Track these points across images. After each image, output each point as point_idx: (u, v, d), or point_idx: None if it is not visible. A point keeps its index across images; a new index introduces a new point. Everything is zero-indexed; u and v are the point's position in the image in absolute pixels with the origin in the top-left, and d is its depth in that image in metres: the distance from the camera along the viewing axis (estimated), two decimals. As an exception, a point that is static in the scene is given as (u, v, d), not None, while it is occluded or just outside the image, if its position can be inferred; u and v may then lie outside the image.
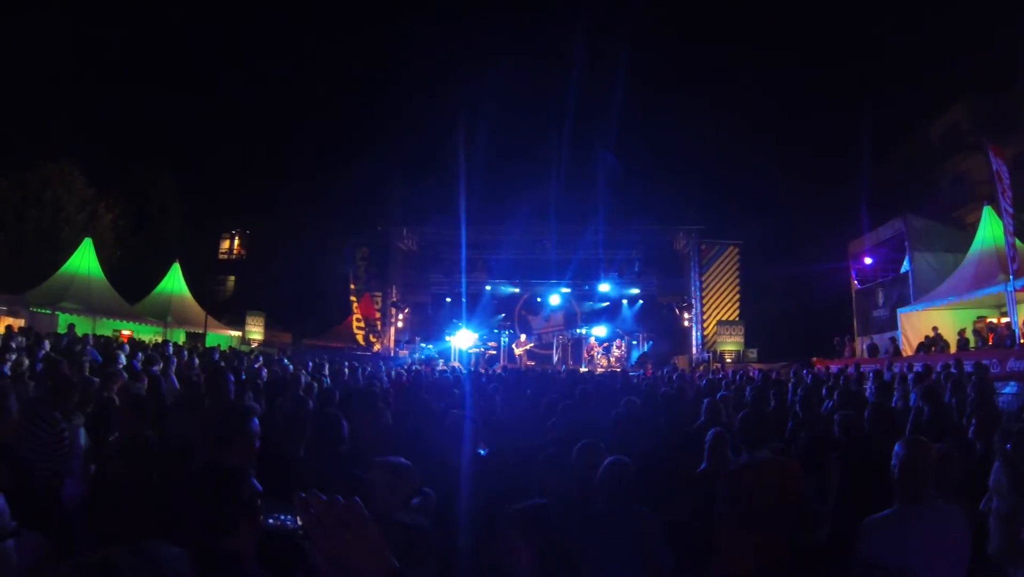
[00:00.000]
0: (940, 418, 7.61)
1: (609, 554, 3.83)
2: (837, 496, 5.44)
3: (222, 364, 13.18)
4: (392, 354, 31.58)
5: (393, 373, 14.70)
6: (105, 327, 25.22)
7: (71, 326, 19.03)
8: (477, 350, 32.75)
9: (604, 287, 34.89)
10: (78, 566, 1.10)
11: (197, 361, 14.17)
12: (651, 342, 33.98)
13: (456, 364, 29.67)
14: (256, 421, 4.07)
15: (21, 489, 4.21)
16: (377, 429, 7.18)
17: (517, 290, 35.75)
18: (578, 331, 35.30)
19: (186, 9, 56.18)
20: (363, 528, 1.36)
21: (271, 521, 1.44)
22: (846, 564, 3.58)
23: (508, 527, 2.65)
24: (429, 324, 36.04)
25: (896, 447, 3.51)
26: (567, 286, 35.41)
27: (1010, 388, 13.16)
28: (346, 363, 15.99)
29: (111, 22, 44.48)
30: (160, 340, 23.09)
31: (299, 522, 1.38)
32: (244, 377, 9.76)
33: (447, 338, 34.24)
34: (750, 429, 4.78)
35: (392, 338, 34.74)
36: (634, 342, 34.14)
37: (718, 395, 9.55)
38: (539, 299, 36.39)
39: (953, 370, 12.84)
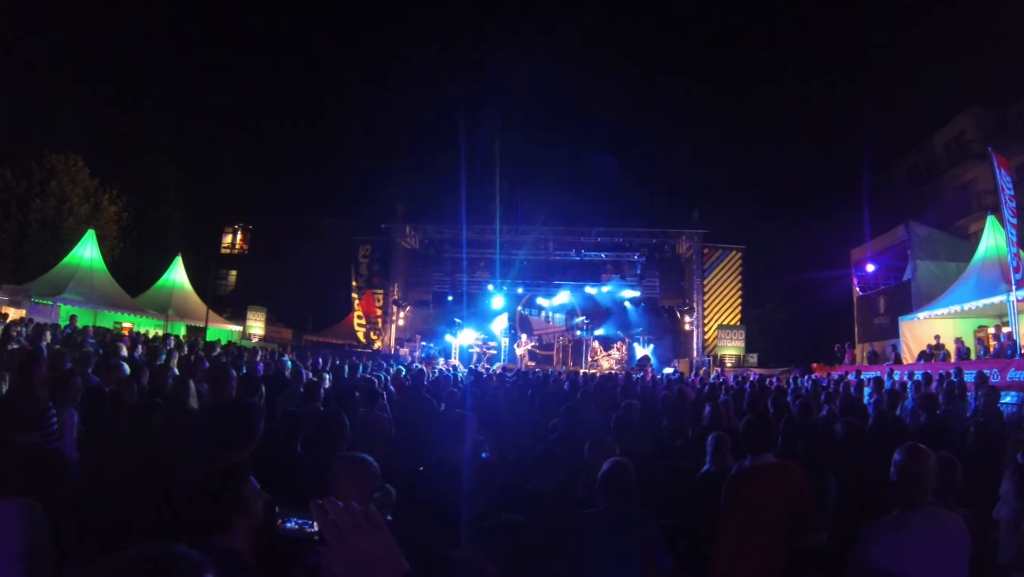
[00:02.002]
0: (938, 426, 7.62)
1: (609, 554, 3.84)
2: (835, 501, 5.45)
3: (224, 360, 13.18)
4: (393, 352, 31.57)
5: (392, 371, 14.67)
6: (106, 319, 25.23)
7: (73, 317, 19.05)
8: (478, 349, 32.73)
9: (606, 289, 34.88)
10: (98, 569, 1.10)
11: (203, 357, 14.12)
12: (652, 345, 33.94)
13: (456, 363, 29.68)
14: (261, 421, 4.07)
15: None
16: (377, 428, 7.18)
17: (520, 290, 35.71)
18: (578, 333, 35.32)
19: (193, 4, 56.19)
20: (379, 534, 1.38)
21: (288, 525, 1.44)
22: (844, 568, 3.58)
23: (478, 545, 2.64)
24: (430, 322, 36.01)
25: (895, 454, 3.52)
26: (569, 287, 35.40)
27: (1011, 398, 13.16)
28: (348, 361, 15.97)
29: (119, 13, 44.44)
30: (161, 333, 23.13)
31: (315, 527, 1.39)
32: (244, 371, 9.77)
33: (448, 337, 34.24)
34: (755, 434, 4.78)
35: (393, 336, 34.75)
36: (636, 344, 34.09)
37: (720, 399, 9.56)
38: (541, 299, 36.40)
39: (954, 379, 12.84)
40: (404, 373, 14.33)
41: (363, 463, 3.60)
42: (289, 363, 13.65)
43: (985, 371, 14.12)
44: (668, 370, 26.61)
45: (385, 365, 18.08)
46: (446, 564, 2.66)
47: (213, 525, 2.71)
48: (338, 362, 16.81)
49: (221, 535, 2.69)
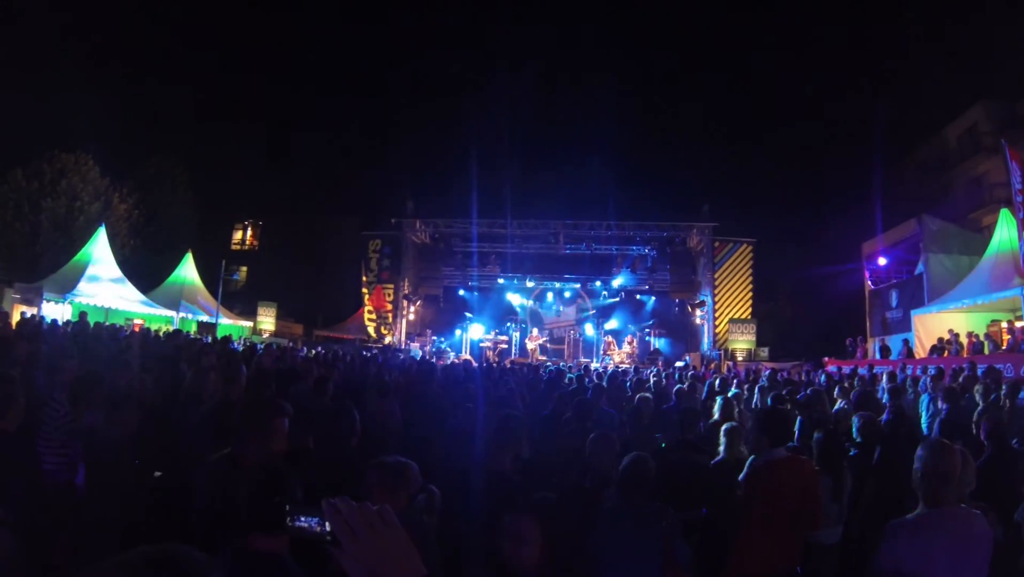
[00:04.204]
0: (957, 420, 7.55)
1: (629, 548, 3.80)
2: (851, 496, 5.41)
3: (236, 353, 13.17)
4: (403, 347, 31.59)
5: (403, 365, 14.66)
6: (117, 316, 25.31)
7: (82, 314, 19.10)
8: (488, 344, 32.70)
9: (617, 283, 34.82)
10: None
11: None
12: (663, 338, 33.91)
13: (467, 357, 29.68)
14: (286, 421, 4.02)
15: (27, 481, 4.20)
16: (387, 422, 7.16)
17: (531, 284, 35.69)
18: (586, 327, 35.34)
19: (203, 2, 56.31)
20: (393, 534, 1.33)
21: (298, 524, 1.39)
22: (859, 565, 3.53)
23: (522, 515, 2.62)
24: (441, 317, 36.04)
25: (919, 450, 3.45)
26: (579, 281, 35.37)
27: (1024, 393, 13.05)
28: (358, 354, 15.92)
29: (127, 11, 44.54)
30: (171, 329, 23.19)
31: (327, 527, 1.33)
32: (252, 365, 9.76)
33: (458, 331, 34.24)
34: (768, 428, 4.73)
35: (403, 331, 34.77)
36: (647, 338, 34.05)
37: (730, 393, 9.53)
38: (551, 293, 36.38)
39: (967, 373, 12.74)
40: (415, 367, 14.29)
41: (397, 467, 3.47)
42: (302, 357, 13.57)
43: (998, 366, 14.00)
44: (679, 364, 26.57)
45: (394, 360, 18.06)
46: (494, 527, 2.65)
47: (264, 525, 2.60)
48: (348, 358, 16.79)
49: (267, 537, 2.60)
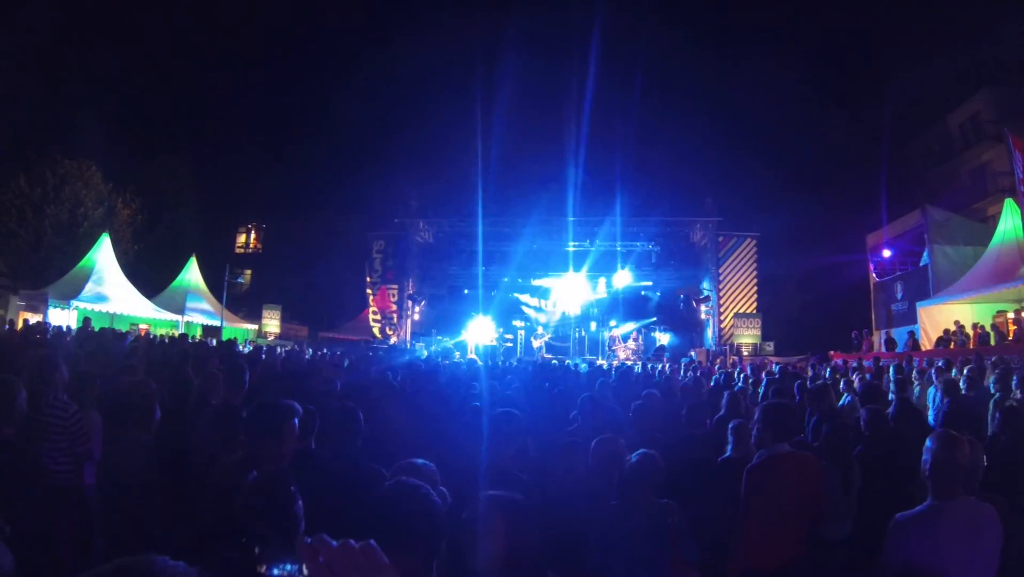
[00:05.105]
0: (959, 412, 7.51)
1: (637, 546, 3.78)
2: (859, 490, 5.37)
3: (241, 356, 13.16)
4: (408, 346, 31.56)
5: (408, 366, 14.59)
6: (122, 321, 25.34)
7: (86, 320, 19.11)
8: (494, 343, 32.58)
9: (621, 279, 34.71)
10: None
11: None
12: (670, 334, 33.84)
13: (473, 356, 29.63)
14: (296, 421, 3.99)
15: (28, 487, 4.19)
16: (392, 423, 7.13)
17: (536, 282, 35.60)
18: (590, 324, 35.25)
19: (202, 5, 56.30)
20: (380, 574, 1.19)
21: (275, 573, 1.30)
22: (869, 559, 3.50)
23: (486, 511, 2.60)
24: (446, 316, 35.94)
25: (928, 442, 3.42)
26: (584, 278, 35.25)
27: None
28: (363, 355, 15.88)
29: (129, 17, 44.54)
30: (177, 334, 23.21)
31: (305, 572, 1.23)
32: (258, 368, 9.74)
33: (463, 331, 34.19)
34: (776, 422, 4.70)
35: (408, 331, 34.76)
36: (653, 334, 33.97)
37: (736, 388, 9.49)
38: (555, 291, 36.27)
39: (974, 364, 12.68)
40: (420, 366, 14.24)
41: (416, 469, 3.39)
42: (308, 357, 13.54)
43: (1005, 357, 13.93)
44: (685, 360, 26.52)
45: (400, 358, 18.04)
46: (460, 525, 2.61)
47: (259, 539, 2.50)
48: (353, 357, 16.76)
49: None
